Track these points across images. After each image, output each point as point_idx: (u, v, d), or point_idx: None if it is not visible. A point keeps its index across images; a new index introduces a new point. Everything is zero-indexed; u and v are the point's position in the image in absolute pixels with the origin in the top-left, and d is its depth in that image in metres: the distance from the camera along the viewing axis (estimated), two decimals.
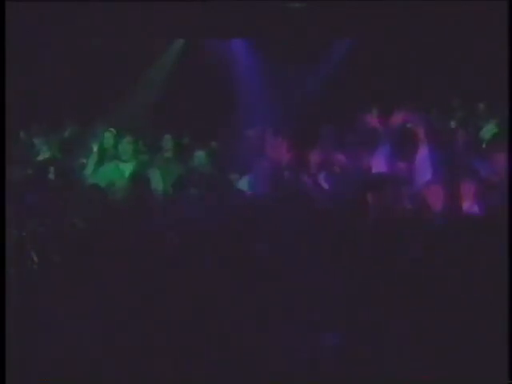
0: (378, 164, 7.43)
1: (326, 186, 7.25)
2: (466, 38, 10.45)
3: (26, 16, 9.24)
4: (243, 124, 9.57)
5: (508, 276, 4.94)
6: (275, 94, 11.05)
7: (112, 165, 8.28)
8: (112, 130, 8.76)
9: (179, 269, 5.64)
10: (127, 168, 8.19)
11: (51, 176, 7.93)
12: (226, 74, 11.53)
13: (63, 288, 5.64)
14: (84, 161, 8.59)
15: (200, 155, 8.41)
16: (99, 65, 11.21)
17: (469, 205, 6.15)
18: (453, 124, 9.57)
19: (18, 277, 5.67)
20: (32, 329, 5.24)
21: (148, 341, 5.14)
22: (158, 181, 7.92)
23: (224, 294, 5.32)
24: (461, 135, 8.54)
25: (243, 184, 7.71)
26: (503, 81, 7.51)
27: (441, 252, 5.38)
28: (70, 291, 5.56)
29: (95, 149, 8.53)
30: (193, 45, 11.88)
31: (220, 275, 5.42)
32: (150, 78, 12.02)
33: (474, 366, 4.66)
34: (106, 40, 11.08)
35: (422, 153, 7.26)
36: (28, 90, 10.52)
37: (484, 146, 8.04)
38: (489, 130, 8.99)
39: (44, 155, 9.12)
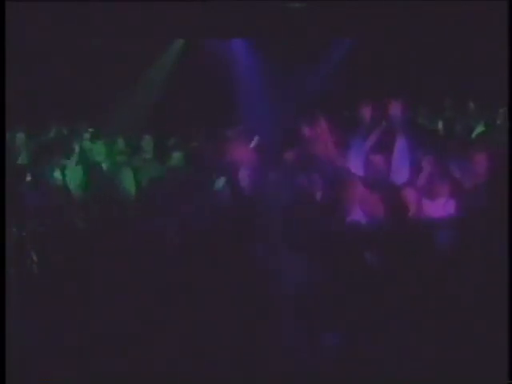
0: (356, 162, 7.37)
1: (302, 185, 7.18)
2: (466, 38, 10.44)
3: (25, 16, 9.23)
4: (242, 124, 9.57)
5: (508, 276, 4.95)
6: (275, 94, 11.04)
7: (85, 166, 8.34)
8: (91, 130, 8.83)
9: (176, 269, 5.66)
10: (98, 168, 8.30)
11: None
12: (225, 74, 11.52)
13: (63, 288, 5.65)
14: (64, 162, 8.61)
15: (177, 156, 8.44)
16: (99, 65, 11.20)
17: (445, 205, 6.13)
18: (440, 124, 9.55)
19: (17, 277, 5.67)
20: (32, 328, 5.24)
21: (148, 340, 5.14)
22: (130, 181, 7.95)
23: (223, 294, 5.32)
24: (445, 135, 8.51)
25: (220, 185, 7.67)
26: (503, 81, 7.50)
27: (430, 253, 5.40)
28: (70, 291, 5.56)
29: (77, 149, 8.63)
30: (193, 45, 11.87)
31: (215, 276, 5.43)
32: (150, 78, 12.02)
33: (474, 366, 4.66)
34: (106, 40, 11.08)
35: (401, 152, 7.21)
36: (28, 90, 10.51)
37: (468, 146, 7.98)
38: (477, 130, 9.00)
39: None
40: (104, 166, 8.36)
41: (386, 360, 4.84)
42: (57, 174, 8.11)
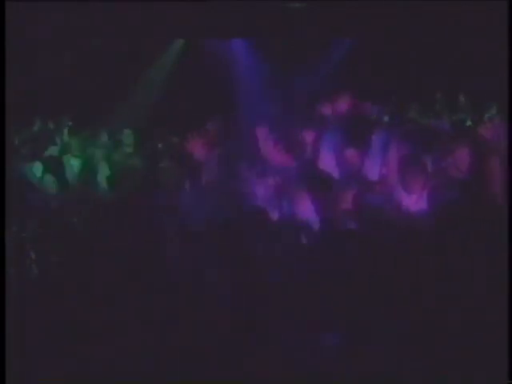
0: (327, 157, 7.30)
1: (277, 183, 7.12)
2: (466, 38, 10.45)
3: (25, 16, 9.23)
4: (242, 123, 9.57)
5: (508, 276, 4.94)
6: (275, 94, 11.05)
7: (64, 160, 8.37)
8: (70, 124, 8.87)
9: (174, 269, 5.65)
10: (76, 163, 8.33)
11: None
12: (225, 74, 11.53)
13: (63, 288, 5.65)
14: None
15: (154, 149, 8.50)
16: (99, 65, 11.21)
17: (422, 199, 6.09)
18: (429, 120, 9.57)
19: (17, 277, 5.68)
20: (32, 328, 5.24)
21: (148, 341, 5.14)
22: (106, 175, 7.99)
23: (223, 293, 5.32)
24: (433, 129, 8.51)
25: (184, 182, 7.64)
26: (503, 81, 7.50)
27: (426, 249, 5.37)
28: (70, 291, 5.56)
29: (58, 144, 8.68)
30: (193, 45, 11.88)
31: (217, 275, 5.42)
32: (150, 78, 12.03)
33: (474, 366, 4.66)
34: (106, 40, 11.08)
35: (377, 147, 7.15)
36: (28, 90, 10.52)
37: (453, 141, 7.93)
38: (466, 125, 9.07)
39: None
40: (81, 160, 8.39)
41: (386, 360, 4.84)
42: (38, 170, 8.10)
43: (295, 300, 5.24)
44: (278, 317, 5.19)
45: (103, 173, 7.92)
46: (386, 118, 8.83)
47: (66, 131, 9.11)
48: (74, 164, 8.35)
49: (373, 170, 6.77)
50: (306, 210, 6.00)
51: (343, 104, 7.96)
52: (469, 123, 9.04)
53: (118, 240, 5.88)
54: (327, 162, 7.12)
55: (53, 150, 8.68)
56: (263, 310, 5.23)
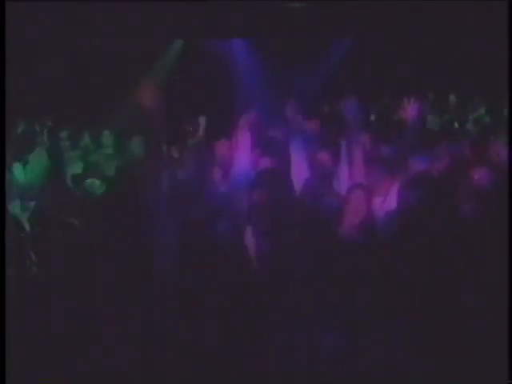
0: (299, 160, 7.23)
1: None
2: (466, 38, 10.46)
3: (26, 16, 9.24)
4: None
5: (508, 276, 4.94)
6: (275, 93, 11.05)
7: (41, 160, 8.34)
8: (49, 124, 8.86)
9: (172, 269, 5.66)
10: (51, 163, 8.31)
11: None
12: (225, 74, 11.54)
13: (63, 288, 5.65)
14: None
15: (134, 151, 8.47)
16: (99, 65, 11.21)
17: (390, 201, 6.05)
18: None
19: (18, 277, 5.68)
20: (32, 328, 5.24)
21: (148, 340, 5.15)
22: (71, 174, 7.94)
23: (223, 294, 5.32)
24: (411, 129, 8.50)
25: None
26: (503, 81, 7.51)
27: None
28: (70, 291, 5.56)
29: (39, 143, 8.65)
30: (193, 45, 11.88)
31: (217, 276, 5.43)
32: (150, 78, 12.02)
33: (474, 366, 4.66)
34: (106, 40, 11.08)
35: (348, 148, 7.07)
36: (28, 90, 10.52)
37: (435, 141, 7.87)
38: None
39: None
40: (58, 159, 8.36)
41: (386, 360, 4.84)
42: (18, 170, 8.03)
43: (291, 300, 5.25)
44: (275, 317, 5.19)
45: (72, 171, 7.87)
46: (372, 117, 8.85)
47: (45, 131, 9.07)
48: (49, 164, 8.29)
49: (343, 172, 6.69)
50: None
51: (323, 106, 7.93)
52: (456, 125, 9.08)
53: (118, 240, 5.89)
54: (299, 165, 7.05)
55: (36, 151, 8.64)
56: (261, 311, 5.24)
